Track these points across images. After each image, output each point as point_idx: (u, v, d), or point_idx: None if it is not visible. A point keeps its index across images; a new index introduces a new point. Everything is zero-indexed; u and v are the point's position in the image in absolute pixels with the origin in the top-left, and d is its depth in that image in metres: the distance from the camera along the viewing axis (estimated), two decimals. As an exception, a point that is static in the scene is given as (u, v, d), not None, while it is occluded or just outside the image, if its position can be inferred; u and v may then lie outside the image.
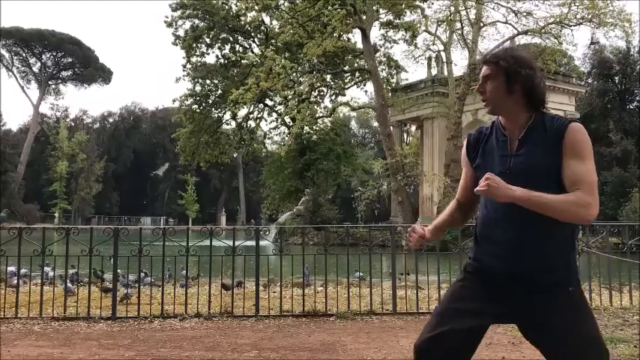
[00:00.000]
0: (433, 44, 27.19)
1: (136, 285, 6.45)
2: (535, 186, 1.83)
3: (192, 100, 35.33)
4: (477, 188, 1.85)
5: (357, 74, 32.27)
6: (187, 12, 33.78)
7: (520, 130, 1.97)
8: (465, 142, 2.17)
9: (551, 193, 1.83)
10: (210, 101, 35.93)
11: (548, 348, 1.97)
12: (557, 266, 1.94)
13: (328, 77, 31.45)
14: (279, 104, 34.81)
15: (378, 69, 28.48)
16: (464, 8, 24.27)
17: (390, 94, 28.84)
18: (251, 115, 36.49)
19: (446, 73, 27.11)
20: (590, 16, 22.89)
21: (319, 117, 31.90)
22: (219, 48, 35.90)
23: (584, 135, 1.95)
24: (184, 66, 35.36)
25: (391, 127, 28.15)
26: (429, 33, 26.45)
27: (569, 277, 1.95)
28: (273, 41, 31.63)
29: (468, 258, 2.12)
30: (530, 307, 1.95)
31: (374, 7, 25.68)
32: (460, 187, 2.19)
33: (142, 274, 6.44)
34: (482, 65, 2.05)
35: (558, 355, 1.93)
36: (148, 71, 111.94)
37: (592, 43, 31.07)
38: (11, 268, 7.65)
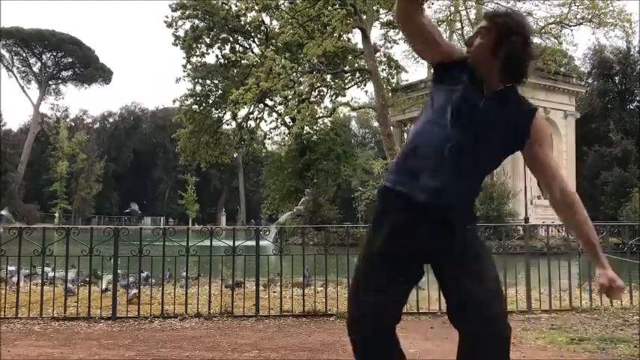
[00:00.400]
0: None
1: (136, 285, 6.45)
2: (479, 155, 1.88)
3: (192, 100, 35.32)
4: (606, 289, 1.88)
5: (358, 74, 32.26)
6: (187, 12, 33.76)
7: (490, 91, 1.92)
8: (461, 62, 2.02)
9: (485, 159, 1.93)
10: (211, 101, 35.93)
11: (457, 282, 1.96)
12: (467, 208, 2.01)
13: (328, 77, 31.42)
14: (280, 104, 34.80)
15: (379, 69, 28.46)
16: (464, 8, 24.30)
17: (390, 94, 28.84)
18: (251, 115, 36.48)
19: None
20: (590, 16, 22.88)
21: (319, 117, 31.88)
22: (219, 48, 35.89)
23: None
24: (184, 66, 35.34)
25: (391, 127, 28.13)
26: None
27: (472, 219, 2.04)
28: (273, 41, 31.60)
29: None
30: (447, 240, 1.93)
31: (374, 7, 25.67)
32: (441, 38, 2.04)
33: (143, 275, 6.43)
34: (484, 19, 2.00)
35: (467, 287, 1.92)
36: (148, 71, 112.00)
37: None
38: (12, 268, 7.66)
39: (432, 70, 2.06)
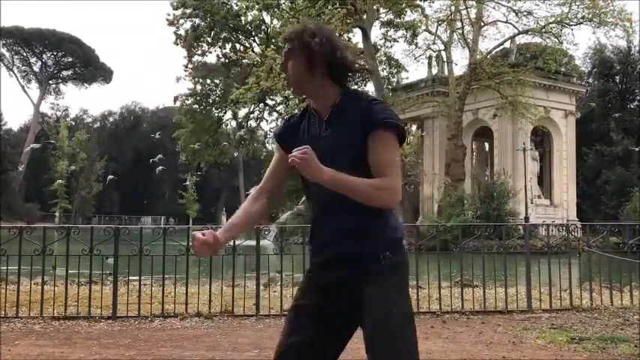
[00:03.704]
0: (434, 43, 27.23)
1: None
2: (342, 169, 1.75)
3: (192, 99, 35.37)
4: (292, 157, 1.71)
5: (358, 74, 32.26)
6: (188, 11, 33.80)
7: (328, 110, 1.87)
8: (283, 125, 2.07)
9: (358, 176, 1.76)
10: (211, 101, 35.97)
11: (364, 330, 1.82)
12: (364, 234, 1.81)
13: (329, 77, 31.41)
14: (280, 104, 34.81)
15: (379, 68, 28.46)
16: (464, 7, 24.28)
17: (390, 93, 28.84)
18: (252, 115, 36.55)
19: (446, 72, 27.10)
20: (590, 16, 22.89)
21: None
22: (220, 47, 35.93)
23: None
24: (185, 65, 35.40)
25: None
26: (430, 32, 26.47)
27: (380, 246, 1.81)
28: (273, 40, 31.61)
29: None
30: (348, 289, 1.81)
31: (374, 7, 25.68)
32: (268, 172, 2.00)
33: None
34: (285, 44, 1.91)
35: (366, 336, 1.80)
36: (148, 71, 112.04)
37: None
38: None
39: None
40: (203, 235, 1.80)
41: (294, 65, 1.86)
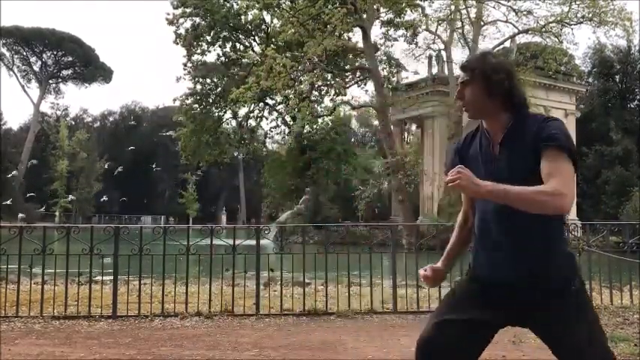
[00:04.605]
0: (434, 43, 27.22)
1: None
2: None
3: (192, 99, 35.30)
4: (447, 179, 1.79)
5: (358, 73, 32.24)
6: (188, 10, 33.75)
7: (502, 132, 1.94)
8: (452, 151, 2.14)
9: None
10: (211, 100, 35.90)
11: (556, 351, 1.93)
12: (555, 266, 1.87)
13: (329, 76, 31.40)
14: (280, 103, 34.76)
15: (379, 68, 28.46)
16: (464, 7, 24.26)
17: (390, 92, 28.84)
18: (251, 114, 36.46)
19: (446, 72, 27.10)
20: (590, 15, 22.87)
21: (320, 116, 31.88)
22: (220, 46, 35.81)
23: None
24: (185, 64, 35.31)
25: (391, 126, 28.14)
26: (430, 32, 26.46)
27: (569, 275, 1.90)
28: (273, 40, 31.58)
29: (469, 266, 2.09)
30: (533, 313, 1.91)
31: (374, 6, 25.66)
32: (464, 198, 2.15)
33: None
34: (461, 72, 2.02)
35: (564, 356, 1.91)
36: (148, 70, 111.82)
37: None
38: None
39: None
40: (425, 270, 2.08)
41: (472, 91, 1.96)
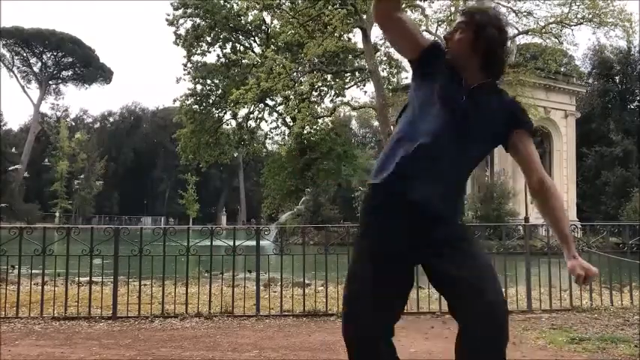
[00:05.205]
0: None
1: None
2: (474, 142, 1.94)
3: (192, 100, 35.31)
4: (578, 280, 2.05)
5: (358, 74, 32.26)
6: (189, 11, 33.76)
7: (468, 87, 1.95)
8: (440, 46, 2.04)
9: (468, 156, 1.97)
10: (211, 101, 35.91)
11: (452, 275, 1.94)
12: (455, 205, 2.03)
13: (329, 77, 31.43)
14: (280, 104, 34.79)
15: (379, 69, 28.45)
16: (464, 8, 24.27)
17: (390, 93, 28.84)
18: (251, 115, 36.48)
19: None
20: (590, 16, 22.86)
21: (320, 117, 31.89)
22: (220, 47, 35.85)
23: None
24: (185, 65, 35.33)
25: (391, 127, 28.12)
26: (430, 32, 26.43)
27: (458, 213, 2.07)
28: (273, 41, 31.61)
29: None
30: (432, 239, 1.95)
31: (374, 7, 25.67)
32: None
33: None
34: (461, 15, 2.05)
35: (461, 279, 1.91)
36: (148, 71, 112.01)
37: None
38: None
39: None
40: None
41: (460, 38, 1.97)
